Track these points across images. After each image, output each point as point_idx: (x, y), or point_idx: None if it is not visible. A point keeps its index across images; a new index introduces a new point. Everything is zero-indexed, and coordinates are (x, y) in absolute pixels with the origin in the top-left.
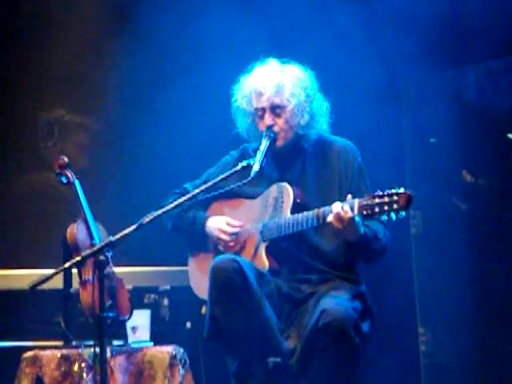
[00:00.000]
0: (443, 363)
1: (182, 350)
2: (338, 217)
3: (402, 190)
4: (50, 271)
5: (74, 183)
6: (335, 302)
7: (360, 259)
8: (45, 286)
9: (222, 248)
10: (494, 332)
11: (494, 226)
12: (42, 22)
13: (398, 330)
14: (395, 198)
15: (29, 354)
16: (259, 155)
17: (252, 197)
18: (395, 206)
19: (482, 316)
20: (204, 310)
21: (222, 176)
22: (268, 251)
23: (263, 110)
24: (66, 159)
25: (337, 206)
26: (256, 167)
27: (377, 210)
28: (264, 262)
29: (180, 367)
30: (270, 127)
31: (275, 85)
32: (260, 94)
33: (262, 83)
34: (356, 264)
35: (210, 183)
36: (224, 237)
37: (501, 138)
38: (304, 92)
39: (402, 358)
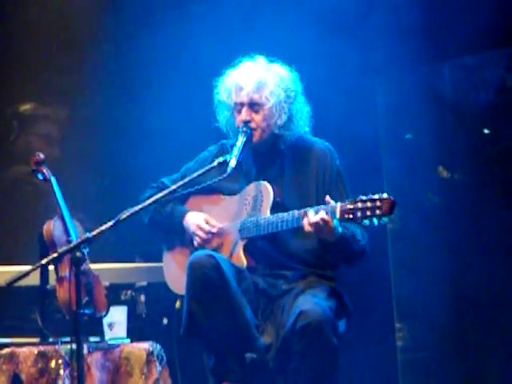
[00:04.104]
0: (420, 358)
1: (158, 347)
2: (321, 221)
3: (385, 196)
4: (27, 268)
5: (50, 180)
6: (312, 302)
7: (339, 260)
8: (21, 283)
9: (197, 245)
10: (471, 326)
11: (470, 221)
12: (10, 15)
13: (375, 326)
14: (378, 203)
15: (5, 351)
16: (236, 151)
17: (230, 193)
18: (378, 212)
19: (458, 310)
20: (178, 304)
21: (199, 172)
22: (245, 249)
23: (242, 104)
24: (41, 156)
25: (319, 211)
26: (232, 163)
27: (359, 214)
28: (242, 260)
29: (157, 363)
30: (246, 123)
31: (256, 81)
32: (240, 89)
33: (244, 78)
34: (333, 263)
35: (187, 179)
36: (201, 234)
37: (477, 133)
38: (284, 92)
39: (378, 353)
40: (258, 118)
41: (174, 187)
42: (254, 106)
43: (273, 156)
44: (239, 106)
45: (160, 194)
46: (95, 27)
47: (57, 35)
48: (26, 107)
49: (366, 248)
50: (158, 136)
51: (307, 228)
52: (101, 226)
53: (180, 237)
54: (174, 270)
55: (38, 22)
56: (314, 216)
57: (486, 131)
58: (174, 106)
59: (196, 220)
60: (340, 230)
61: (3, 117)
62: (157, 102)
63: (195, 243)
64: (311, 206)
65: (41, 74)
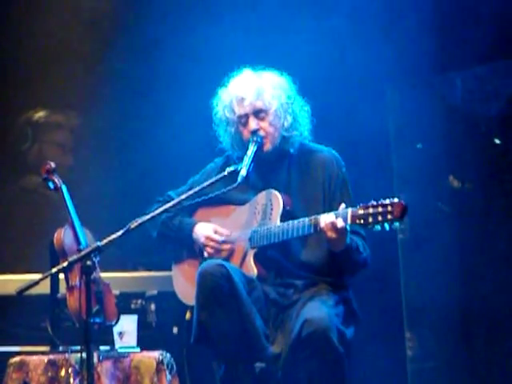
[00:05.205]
0: (430, 368)
1: (168, 356)
2: (333, 226)
3: (396, 200)
4: (37, 276)
5: (60, 188)
6: (318, 309)
7: (342, 271)
8: (32, 292)
9: (208, 256)
10: (481, 336)
11: (481, 231)
12: (21, 21)
13: (385, 335)
14: (389, 208)
15: (15, 359)
16: (246, 160)
17: (239, 203)
18: (389, 217)
19: (468, 320)
20: (188, 315)
21: (207, 182)
22: (256, 258)
23: (246, 116)
24: (52, 164)
25: (331, 216)
26: (243, 172)
27: (370, 220)
28: (252, 269)
29: (167, 372)
30: (255, 132)
31: (255, 89)
32: (242, 100)
33: (242, 90)
34: (337, 273)
35: (195, 189)
36: (211, 244)
37: (488, 143)
38: (284, 93)
39: (388, 362)
40: (265, 124)
41: (182, 197)
42: (258, 113)
43: (279, 164)
44: (244, 118)
45: (169, 204)
46: (110, 36)
47: (71, 43)
48: (39, 115)
49: (367, 260)
50: (170, 145)
51: (323, 225)
52: (112, 234)
53: (189, 248)
54: (184, 281)
55: (53, 30)
56: (329, 217)
57: (497, 141)
58: (186, 116)
59: (205, 231)
60: (349, 239)
61: (16, 125)
62: (170, 111)
63: (206, 254)
64: (319, 214)
65: (54, 81)
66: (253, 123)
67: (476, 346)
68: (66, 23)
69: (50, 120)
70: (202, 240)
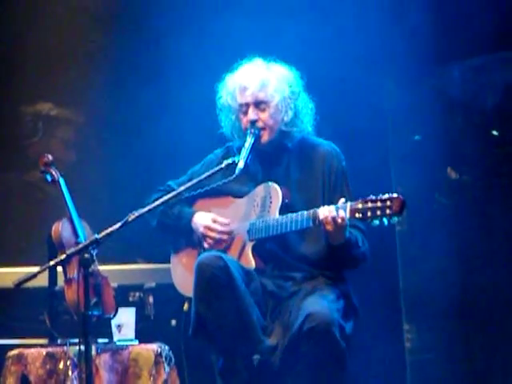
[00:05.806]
0: (428, 360)
1: (167, 348)
2: (332, 220)
3: (395, 195)
4: (35, 269)
5: (58, 181)
6: (320, 304)
7: (341, 265)
8: (30, 284)
9: (207, 246)
10: (479, 328)
11: (478, 223)
12: (27, 14)
13: (383, 327)
14: (388, 203)
15: (14, 352)
16: (244, 152)
17: (238, 195)
18: (388, 211)
19: (466, 312)
20: (186, 306)
21: (206, 173)
22: (254, 250)
23: (247, 105)
24: (50, 157)
25: (330, 209)
26: (241, 164)
27: (369, 214)
28: (250, 262)
29: (165, 365)
30: (253, 123)
31: (260, 80)
32: (244, 89)
33: (247, 79)
34: (336, 267)
35: (194, 181)
36: (210, 234)
37: (485, 134)
38: (289, 88)
39: (387, 354)
40: (264, 116)
41: (181, 189)
42: (259, 104)
43: (279, 156)
44: (245, 106)
45: (168, 196)
46: (114, 25)
47: (78, 37)
48: (44, 109)
49: (366, 254)
50: (170, 137)
51: (322, 218)
52: (109, 227)
53: (187, 238)
54: (182, 272)
55: (58, 24)
56: (328, 210)
57: (495, 132)
58: (189, 111)
59: (204, 221)
60: (348, 232)
61: (20, 118)
62: (169, 102)
63: (205, 245)
64: (318, 207)
65: (60, 76)
66: (252, 114)
67: (474, 337)
68: (69, 17)
69: (54, 114)
70: (201, 230)
